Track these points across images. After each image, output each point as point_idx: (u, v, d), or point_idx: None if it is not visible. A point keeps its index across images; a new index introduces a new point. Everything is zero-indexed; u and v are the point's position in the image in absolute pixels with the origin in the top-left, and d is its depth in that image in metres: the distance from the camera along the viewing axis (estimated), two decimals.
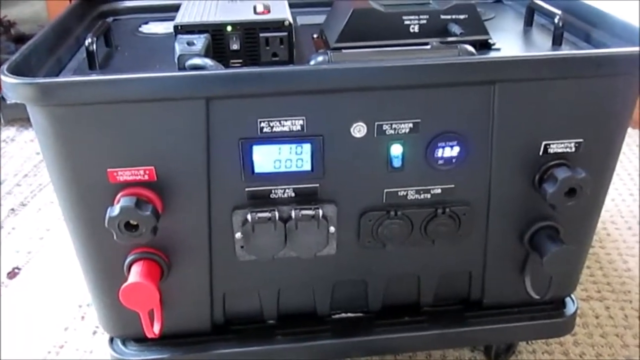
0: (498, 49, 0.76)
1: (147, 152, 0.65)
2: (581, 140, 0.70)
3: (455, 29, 0.72)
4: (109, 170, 0.65)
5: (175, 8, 0.77)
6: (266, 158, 0.67)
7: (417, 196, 0.71)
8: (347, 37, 0.72)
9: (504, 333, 0.83)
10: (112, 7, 0.93)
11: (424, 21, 0.73)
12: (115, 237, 0.64)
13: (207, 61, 0.64)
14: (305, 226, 0.69)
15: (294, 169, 0.68)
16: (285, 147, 0.66)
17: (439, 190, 0.71)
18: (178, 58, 0.66)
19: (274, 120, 0.65)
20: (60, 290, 1.08)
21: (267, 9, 0.74)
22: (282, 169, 0.67)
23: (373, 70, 0.63)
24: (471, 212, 0.72)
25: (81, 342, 0.97)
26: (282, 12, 0.73)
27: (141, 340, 0.77)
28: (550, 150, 0.70)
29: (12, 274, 1.12)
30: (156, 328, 0.69)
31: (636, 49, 0.65)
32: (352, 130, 0.66)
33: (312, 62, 0.66)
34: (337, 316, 0.81)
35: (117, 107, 0.62)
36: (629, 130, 0.74)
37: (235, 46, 0.71)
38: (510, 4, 0.96)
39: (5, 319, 1.01)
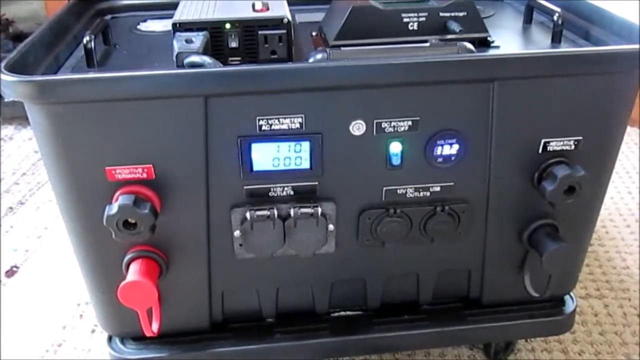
0: (497, 47, 0.76)
1: (146, 150, 0.64)
2: (580, 138, 0.70)
3: (454, 26, 0.72)
4: (107, 168, 0.65)
5: (174, 6, 0.77)
6: (265, 156, 0.67)
7: (416, 194, 0.71)
8: (346, 34, 0.72)
9: (503, 331, 0.83)
10: (110, 4, 0.93)
11: (423, 19, 0.73)
12: (113, 235, 0.64)
13: (206, 59, 0.64)
14: (304, 224, 0.69)
15: (292, 167, 0.67)
16: (284, 145, 0.66)
17: (438, 188, 0.71)
18: (176, 56, 0.66)
19: (272, 118, 0.65)
20: (58, 288, 1.07)
21: (266, 7, 0.73)
22: (281, 167, 0.67)
23: (372, 68, 0.63)
24: (470, 210, 0.72)
25: (79, 341, 0.97)
26: (280, 9, 0.73)
27: (140, 338, 0.76)
28: (550, 148, 0.70)
29: (10, 273, 1.12)
30: (155, 326, 0.69)
31: (635, 46, 0.65)
32: (351, 128, 0.66)
33: (310, 60, 0.66)
34: (335, 314, 0.81)
35: (116, 105, 0.62)
36: (628, 128, 0.73)
37: (233, 44, 0.71)
38: (509, 2, 0.96)
39: (3, 318, 1.01)
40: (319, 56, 0.66)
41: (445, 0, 0.73)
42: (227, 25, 0.70)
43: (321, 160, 0.67)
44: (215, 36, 0.70)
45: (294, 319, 0.79)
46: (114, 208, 0.63)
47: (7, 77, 0.60)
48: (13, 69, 0.62)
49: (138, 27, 0.87)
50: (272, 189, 0.69)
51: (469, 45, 0.68)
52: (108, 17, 0.90)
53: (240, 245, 0.70)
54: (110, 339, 0.78)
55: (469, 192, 0.72)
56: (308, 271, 0.75)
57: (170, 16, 0.73)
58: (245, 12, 0.72)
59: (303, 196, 0.69)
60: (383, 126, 0.66)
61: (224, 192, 0.68)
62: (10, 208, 1.32)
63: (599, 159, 0.72)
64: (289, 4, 0.76)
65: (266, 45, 0.71)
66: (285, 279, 0.76)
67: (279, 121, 0.65)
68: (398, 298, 0.80)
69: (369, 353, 0.89)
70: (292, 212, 0.68)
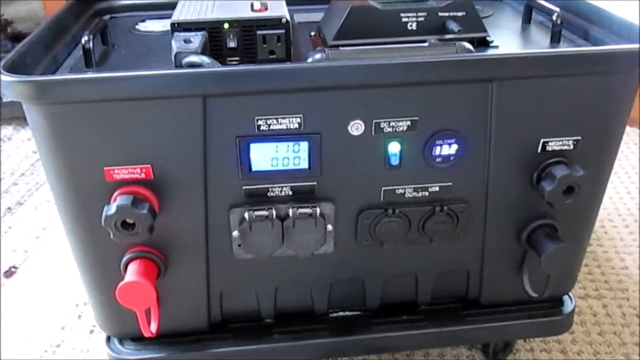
0: (496, 47, 0.76)
1: (144, 151, 0.64)
2: (579, 138, 0.70)
3: (453, 26, 0.72)
4: (105, 168, 0.64)
5: (172, 6, 0.77)
6: (263, 156, 0.66)
7: (414, 194, 0.71)
8: (345, 34, 0.72)
9: (501, 331, 0.82)
10: (108, 5, 0.93)
11: (422, 18, 0.73)
12: (111, 235, 0.64)
13: (204, 59, 0.64)
14: (303, 224, 0.69)
15: (291, 167, 0.67)
16: (283, 145, 0.66)
17: (437, 188, 0.71)
18: (175, 56, 0.66)
19: (271, 118, 0.65)
20: (57, 289, 1.07)
21: (265, 7, 0.73)
22: (280, 167, 0.67)
23: (371, 68, 0.63)
24: (469, 210, 0.72)
25: (78, 341, 0.97)
26: (279, 9, 0.73)
27: (138, 339, 0.76)
28: (549, 148, 0.70)
29: (8, 273, 1.11)
30: (153, 327, 0.69)
31: (635, 46, 0.65)
32: (349, 128, 0.66)
33: (309, 60, 0.66)
34: (334, 315, 0.81)
35: (114, 105, 0.62)
36: (627, 128, 0.73)
37: (232, 44, 0.71)
38: (508, 2, 0.96)
39: (2, 318, 1.01)
40: (317, 56, 0.65)
41: (444, 0, 0.73)
42: (226, 25, 0.70)
43: (320, 161, 0.67)
44: (214, 36, 0.70)
45: (292, 320, 0.79)
46: (112, 208, 0.63)
47: (6, 77, 0.60)
48: (11, 69, 0.62)
49: (137, 27, 0.87)
50: (270, 189, 0.68)
51: (468, 45, 0.67)
52: (106, 17, 0.90)
53: (239, 245, 0.70)
54: (108, 339, 0.78)
55: (467, 192, 0.72)
56: (307, 271, 0.75)
57: (169, 16, 0.73)
58: (243, 12, 0.72)
59: (302, 196, 0.69)
60: (382, 126, 0.66)
61: (222, 193, 0.68)
62: (9, 208, 1.31)
63: (598, 159, 0.72)
64: (288, 4, 0.76)
65: (265, 45, 0.71)
66: (284, 279, 0.76)
67: (277, 121, 0.65)
68: (397, 298, 0.80)
69: (367, 353, 0.89)
70: (290, 212, 0.68)
